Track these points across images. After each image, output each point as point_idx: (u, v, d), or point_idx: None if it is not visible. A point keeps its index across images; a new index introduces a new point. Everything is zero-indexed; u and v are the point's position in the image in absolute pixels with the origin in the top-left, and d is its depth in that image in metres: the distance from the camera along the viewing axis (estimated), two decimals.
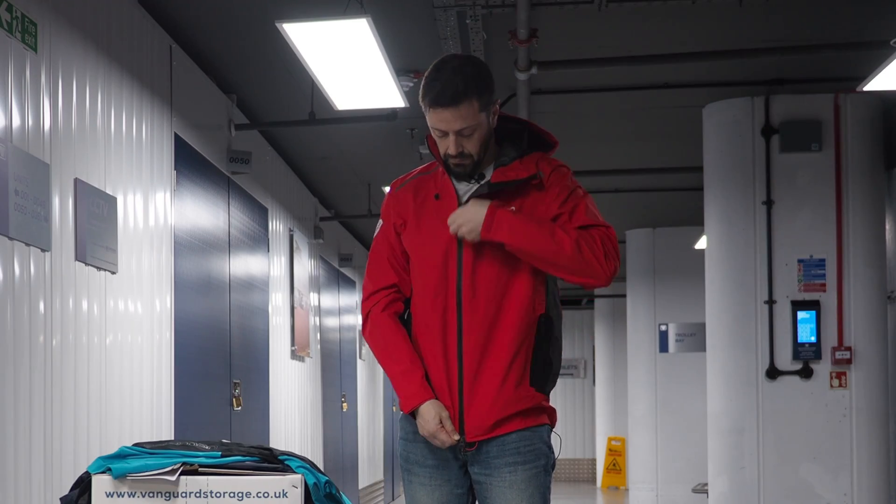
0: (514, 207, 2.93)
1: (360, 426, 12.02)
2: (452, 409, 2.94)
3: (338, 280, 11.04)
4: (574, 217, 2.92)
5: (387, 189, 3.19)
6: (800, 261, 7.10)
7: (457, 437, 2.91)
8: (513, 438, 2.94)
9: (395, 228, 3.05)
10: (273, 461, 2.87)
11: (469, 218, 2.88)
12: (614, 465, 16.63)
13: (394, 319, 3.03)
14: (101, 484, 2.83)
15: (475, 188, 2.97)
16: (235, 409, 6.72)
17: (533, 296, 2.95)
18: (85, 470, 2.91)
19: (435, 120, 2.89)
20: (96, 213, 4.62)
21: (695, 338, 11.80)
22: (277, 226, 8.22)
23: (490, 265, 2.93)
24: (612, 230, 2.93)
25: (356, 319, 11.91)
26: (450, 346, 2.94)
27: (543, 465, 2.97)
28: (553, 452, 3.01)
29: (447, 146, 2.91)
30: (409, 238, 3.03)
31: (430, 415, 2.91)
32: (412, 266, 3.03)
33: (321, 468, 3.35)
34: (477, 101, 2.87)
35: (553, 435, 3.05)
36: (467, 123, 2.87)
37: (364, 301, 3.09)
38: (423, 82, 2.93)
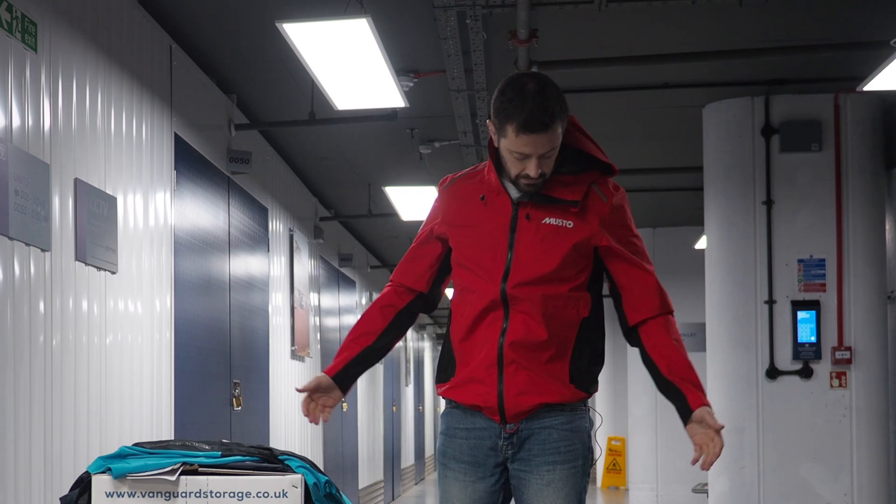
0: (570, 222, 2.96)
1: (360, 426, 12.02)
2: (491, 393, 2.95)
3: (338, 280, 11.03)
4: (647, 285, 3.28)
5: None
6: (800, 261, 7.10)
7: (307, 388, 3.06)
8: (554, 437, 2.96)
9: (436, 229, 3.09)
10: (273, 461, 2.87)
11: (714, 435, 2.91)
12: (614, 465, 16.62)
13: (378, 309, 3.23)
14: (101, 484, 2.83)
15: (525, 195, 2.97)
16: (235, 408, 6.72)
17: (578, 299, 3.03)
18: (85, 470, 2.91)
19: (520, 144, 2.82)
20: (96, 213, 4.62)
21: (695, 338, 11.78)
22: (277, 226, 8.22)
23: (539, 269, 2.95)
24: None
25: (356, 319, 11.89)
26: (492, 338, 2.95)
27: (581, 466, 3.00)
28: (592, 453, 3.04)
29: (523, 168, 2.87)
30: (456, 238, 3.04)
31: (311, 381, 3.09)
32: (459, 261, 3.04)
33: (321, 468, 3.35)
34: (561, 124, 2.84)
35: (593, 430, 3.09)
36: (553, 146, 2.85)
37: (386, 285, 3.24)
38: (499, 104, 2.85)
